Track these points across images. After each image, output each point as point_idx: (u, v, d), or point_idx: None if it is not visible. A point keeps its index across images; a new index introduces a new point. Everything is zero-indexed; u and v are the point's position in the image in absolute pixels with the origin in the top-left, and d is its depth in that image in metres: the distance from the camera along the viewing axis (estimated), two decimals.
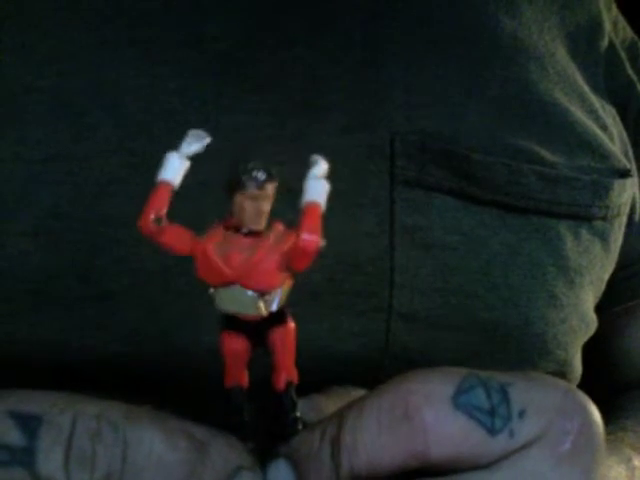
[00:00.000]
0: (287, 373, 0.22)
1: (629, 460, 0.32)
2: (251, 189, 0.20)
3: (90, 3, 0.31)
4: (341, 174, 0.31)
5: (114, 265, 0.29)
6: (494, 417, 0.21)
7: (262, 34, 0.32)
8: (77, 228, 0.29)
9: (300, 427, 0.22)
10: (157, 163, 0.29)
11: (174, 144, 0.30)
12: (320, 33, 0.33)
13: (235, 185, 0.20)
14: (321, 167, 0.20)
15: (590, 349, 0.39)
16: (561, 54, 0.38)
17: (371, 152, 0.31)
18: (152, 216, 0.20)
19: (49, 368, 0.29)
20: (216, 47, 0.31)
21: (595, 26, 0.40)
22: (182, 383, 0.28)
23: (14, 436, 0.20)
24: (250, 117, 0.31)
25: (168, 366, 0.29)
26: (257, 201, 0.20)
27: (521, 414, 0.21)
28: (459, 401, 0.21)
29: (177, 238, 0.20)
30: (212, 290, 0.20)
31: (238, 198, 0.20)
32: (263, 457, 0.22)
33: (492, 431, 0.21)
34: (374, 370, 0.31)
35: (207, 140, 0.21)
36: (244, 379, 0.22)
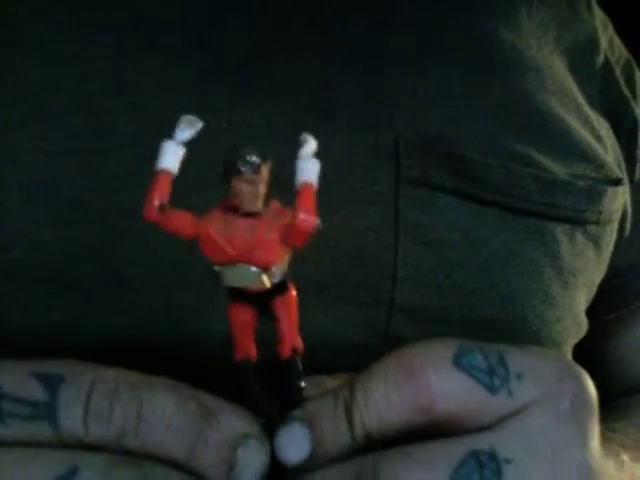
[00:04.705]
0: (291, 341, 0.23)
1: (617, 455, 0.33)
2: (247, 173, 0.20)
3: (111, 11, 0.33)
4: (349, 172, 0.32)
5: (130, 254, 0.30)
6: (493, 376, 0.22)
7: (275, 41, 0.33)
8: (94, 218, 0.30)
9: (304, 396, 0.23)
10: None
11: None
12: (329, 41, 0.34)
13: (231, 170, 0.20)
14: (311, 145, 0.21)
15: (581, 356, 0.40)
16: (559, 67, 0.39)
17: (377, 152, 0.32)
18: (155, 204, 0.21)
19: (64, 353, 0.30)
20: (231, 52, 0.33)
21: (591, 43, 0.42)
22: (195, 370, 0.29)
23: (37, 393, 0.21)
24: (262, 117, 0.32)
25: (181, 353, 0.30)
26: (253, 184, 0.21)
27: (518, 376, 0.22)
28: (459, 361, 0.22)
29: (181, 223, 0.21)
30: (217, 268, 0.21)
31: (235, 182, 0.21)
32: (273, 426, 0.22)
33: (491, 389, 0.22)
34: (374, 361, 0.32)
35: (200, 125, 0.21)
36: (252, 351, 0.23)
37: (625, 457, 0.33)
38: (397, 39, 0.35)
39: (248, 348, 0.23)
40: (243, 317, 0.23)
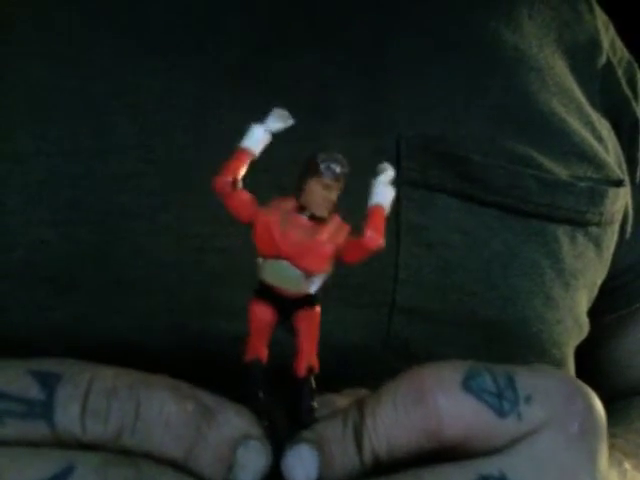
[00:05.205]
0: (308, 359, 0.22)
1: (620, 463, 0.33)
2: (328, 178, 0.21)
3: (112, 13, 0.33)
4: (349, 174, 0.32)
5: (130, 255, 0.30)
6: (502, 400, 0.22)
7: (275, 43, 0.34)
8: (95, 219, 0.30)
9: (315, 417, 0.23)
10: (172, 159, 0.31)
11: (188, 142, 0.31)
12: (329, 42, 0.34)
13: (311, 170, 0.21)
14: (389, 174, 0.22)
15: (581, 357, 0.40)
16: (560, 68, 0.39)
17: (378, 153, 0.32)
18: (228, 177, 0.21)
19: (65, 354, 0.30)
20: (231, 55, 0.33)
21: (593, 44, 0.42)
22: (196, 370, 0.29)
23: (34, 391, 0.21)
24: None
25: (182, 354, 0.30)
26: (329, 190, 0.21)
27: (527, 399, 0.22)
28: (468, 385, 0.22)
29: (243, 204, 0.21)
30: (260, 259, 0.21)
31: (312, 183, 0.21)
32: (281, 442, 0.22)
33: (501, 413, 0.22)
34: (376, 361, 0.32)
35: (290, 122, 0.22)
36: (264, 354, 0.22)
37: (627, 465, 0.33)
38: (398, 40, 0.35)
39: (259, 349, 0.23)
40: (262, 317, 0.22)
